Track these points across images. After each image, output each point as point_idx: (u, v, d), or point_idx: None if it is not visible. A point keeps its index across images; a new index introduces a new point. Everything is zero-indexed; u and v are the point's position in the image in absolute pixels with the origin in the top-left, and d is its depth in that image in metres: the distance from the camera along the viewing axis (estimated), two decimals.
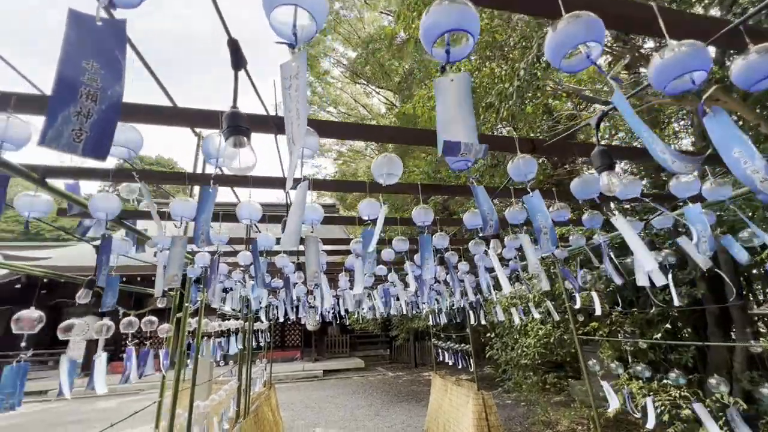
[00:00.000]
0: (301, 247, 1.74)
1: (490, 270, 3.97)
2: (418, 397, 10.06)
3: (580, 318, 5.85)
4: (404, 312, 6.11)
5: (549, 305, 5.67)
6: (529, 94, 6.09)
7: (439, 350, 7.89)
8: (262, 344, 6.94)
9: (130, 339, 2.57)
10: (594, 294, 3.36)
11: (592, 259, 2.95)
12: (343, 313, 4.78)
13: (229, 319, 4.98)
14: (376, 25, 16.57)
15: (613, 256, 2.59)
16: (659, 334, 5.47)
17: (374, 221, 1.88)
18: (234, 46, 0.85)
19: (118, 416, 2.78)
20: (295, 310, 5.50)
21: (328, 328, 17.49)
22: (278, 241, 2.23)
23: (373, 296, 4.98)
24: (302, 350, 17.57)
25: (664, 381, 4.86)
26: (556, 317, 4.45)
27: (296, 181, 1.31)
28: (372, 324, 14.50)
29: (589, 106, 8.30)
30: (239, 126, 0.83)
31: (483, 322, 5.96)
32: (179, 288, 3.05)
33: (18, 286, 13.55)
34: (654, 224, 2.33)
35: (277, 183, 1.74)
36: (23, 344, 1.71)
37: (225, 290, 3.76)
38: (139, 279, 11.34)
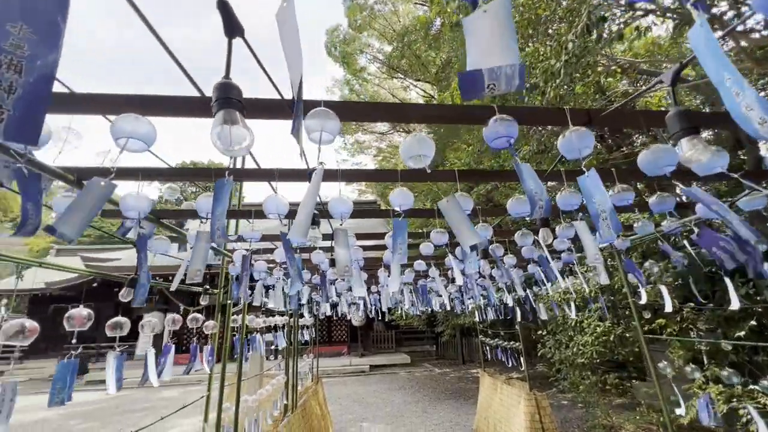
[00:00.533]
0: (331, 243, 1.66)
1: (540, 263, 3.69)
2: (467, 394, 9.79)
3: (647, 315, 5.30)
4: (448, 308, 5.92)
5: (602, 302, 5.21)
6: (578, 73, 5.59)
7: (487, 347, 7.59)
8: (308, 339, 7.07)
9: (170, 335, 2.65)
10: (663, 288, 2.97)
11: (666, 248, 2.59)
12: (384, 309, 4.70)
13: (274, 315, 5.09)
14: (411, 16, 16.27)
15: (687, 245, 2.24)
16: (743, 333, 4.81)
17: (407, 212, 1.74)
18: (225, 9, 0.76)
19: (179, 404, 2.92)
20: (336, 306, 5.51)
21: (373, 323, 17.63)
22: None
23: (411, 292, 4.83)
24: (349, 345, 17.86)
25: (751, 386, 4.26)
26: (606, 315, 4.05)
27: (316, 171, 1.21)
28: (417, 320, 14.36)
29: (648, 81, 7.52)
30: (230, 98, 0.73)
31: (538, 316, 5.60)
32: (222, 285, 3.12)
33: (95, 284, 15.03)
34: (741, 206, 1.97)
35: (304, 175, 1.67)
36: (74, 341, 1.78)
37: (267, 287, 3.81)
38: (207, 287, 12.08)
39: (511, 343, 6.58)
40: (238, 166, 2.74)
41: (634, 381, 7.72)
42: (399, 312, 12.14)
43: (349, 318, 17.35)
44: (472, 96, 0.68)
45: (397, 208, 1.66)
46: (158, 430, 7.13)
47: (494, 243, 2.82)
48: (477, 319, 7.95)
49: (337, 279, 4.25)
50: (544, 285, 4.15)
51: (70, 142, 1.59)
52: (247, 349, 4.24)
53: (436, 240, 2.36)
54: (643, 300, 3.18)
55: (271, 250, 3.25)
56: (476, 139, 8.88)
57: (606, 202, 1.34)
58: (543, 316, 5.24)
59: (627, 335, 6.39)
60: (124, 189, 1.61)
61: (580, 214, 1.98)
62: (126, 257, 16.25)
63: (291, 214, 1.95)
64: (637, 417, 6.05)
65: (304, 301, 4.75)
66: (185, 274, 1.54)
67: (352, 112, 1.23)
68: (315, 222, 1.63)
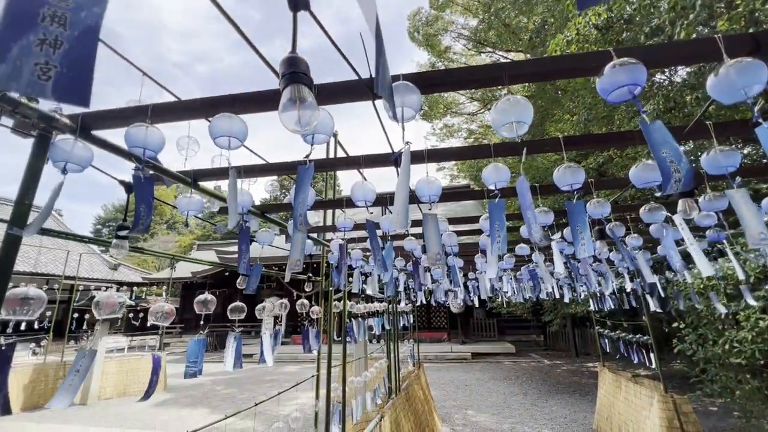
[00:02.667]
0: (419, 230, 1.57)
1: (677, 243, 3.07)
2: (582, 390, 8.91)
3: None
4: (556, 296, 5.38)
5: None
6: (722, 3, 4.43)
7: (606, 340, 6.74)
8: (407, 325, 7.19)
9: (278, 320, 2.89)
10: None
11: None
12: (483, 297, 4.47)
13: (373, 302, 5.27)
14: None
15: None
16: None
17: (504, 191, 1.56)
18: None
19: (298, 379, 3.25)
20: (432, 293, 5.45)
21: (473, 310, 17.20)
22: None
23: (512, 279, 4.48)
24: (449, 332, 17.79)
25: None
26: None
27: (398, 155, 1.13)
28: (520, 308, 13.50)
29: None
30: (296, 73, 0.69)
31: (673, 306, 4.76)
32: (324, 273, 3.31)
33: (227, 273, 17.67)
34: None
35: (387, 159, 1.61)
36: (201, 322, 2.03)
37: (364, 275, 3.93)
38: (304, 266, 13.33)
39: (638, 336, 5.72)
40: (324, 155, 2.83)
41: None
42: (500, 299, 11.57)
43: (447, 305, 17.24)
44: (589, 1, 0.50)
45: (491, 187, 1.49)
46: (282, 400, 8.09)
47: (613, 221, 2.40)
48: (592, 308, 7.11)
49: (431, 267, 4.17)
50: (681, 270, 3.46)
51: (192, 149, 1.80)
52: (350, 333, 4.47)
53: (539, 221, 2.10)
54: None
55: (366, 239, 3.31)
56: (582, 105, 7.81)
57: None
58: (696, 304, 4.41)
59: None
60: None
61: (738, 179, 1.53)
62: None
63: (378, 201, 1.92)
64: None
65: (401, 288, 4.79)
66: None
67: (432, 82, 1.12)
68: None
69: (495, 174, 1.46)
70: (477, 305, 8.58)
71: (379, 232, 2.54)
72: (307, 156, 1.06)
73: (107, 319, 11.09)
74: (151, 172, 1.32)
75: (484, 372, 11.60)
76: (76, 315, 11.79)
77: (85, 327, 12.93)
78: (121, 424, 6.94)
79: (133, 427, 6.75)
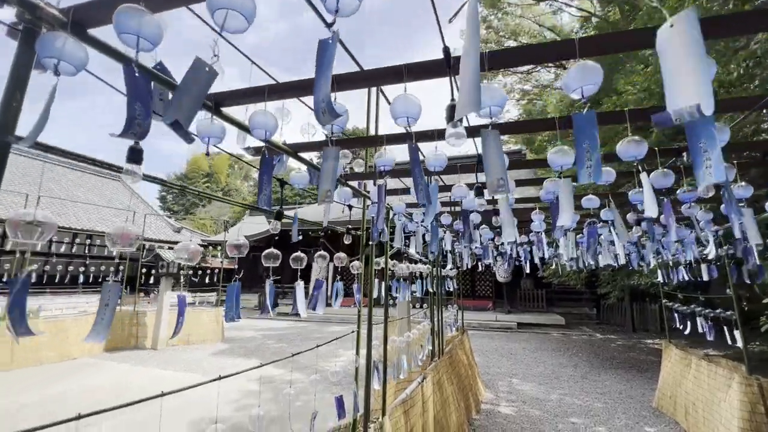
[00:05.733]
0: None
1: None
2: (640, 366, 8.30)
3: None
4: (622, 262, 4.80)
5: None
6: None
7: (675, 315, 6.07)
8: (450, 290, 6.97)
9: (319, 272, 2.75)
10: None
11: None
12: (538, 259, 4.07)
13: (416, 263, 5.07)
14: None
15: None
16: None
17: (591, 99, 1.19)
18: None
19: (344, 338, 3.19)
20: (480, 257, 5.13)
21: (520, 281, 16.59)
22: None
23: (570, 243, 4.02)
24: (494, 301, 17.43)
25: None
26: None
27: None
28: (573, 278, 12.68)
29: None
30: None
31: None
32: (364, 227, 3.12)
33: (277, 238, 18.41)
34: None
35: (439, 67, 1.27)
36: (237, 275, 1.91)
37: (407, 234, 3.71)
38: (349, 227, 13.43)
39: (719, 311, 5.05)
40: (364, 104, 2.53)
41: None
42: (554, 267, 10.90)
43: (493, 272, 16.72)
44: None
45: (574, 96, 1.13)
46: (327, 357, 8.38)
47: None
48: (660, 279, 6.39)
49: (481, 224, 3.84)
50: None
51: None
52: (393, 293, 4.34)
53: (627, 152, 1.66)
54: None
55: (409, 190, 3.04)
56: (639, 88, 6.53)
57: None
58: None
59: None
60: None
61: None
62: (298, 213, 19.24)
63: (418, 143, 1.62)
64: None
65: (447, 246, 4.51)
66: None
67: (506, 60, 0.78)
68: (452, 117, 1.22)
69: (561, 157, 1.10)
70: (527, 273, 8.11)
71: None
72: (332, 24, 0.79)
73: (170, 275, 12.07)
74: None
75: (530, 342, 11.23)
76: (144, 270, 12.93)
77: (152, 281, 14.24)
78: (185, 368, 7.58)
79: (196, 371, 7.34)
